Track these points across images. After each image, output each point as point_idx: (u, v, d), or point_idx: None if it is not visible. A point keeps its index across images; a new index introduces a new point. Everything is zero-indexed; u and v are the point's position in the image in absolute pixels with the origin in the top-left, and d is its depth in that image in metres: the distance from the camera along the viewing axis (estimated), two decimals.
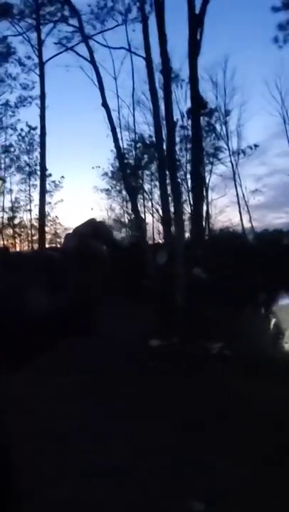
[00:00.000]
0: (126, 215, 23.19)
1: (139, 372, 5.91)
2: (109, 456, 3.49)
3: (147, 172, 21.11)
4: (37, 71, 17.25)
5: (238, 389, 5.06)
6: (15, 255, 0.91)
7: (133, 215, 13.94)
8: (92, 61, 10.80)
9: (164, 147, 9.16)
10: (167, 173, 8.84)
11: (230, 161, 21.85)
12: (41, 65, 16.88)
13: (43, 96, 17.00)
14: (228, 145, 21.82)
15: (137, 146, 19.30)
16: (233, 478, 3.04)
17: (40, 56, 16.96)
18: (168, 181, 9.39)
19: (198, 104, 8.64)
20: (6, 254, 0.89)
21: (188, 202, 17.09)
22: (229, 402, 4.68)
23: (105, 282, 1.01)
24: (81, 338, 1.21)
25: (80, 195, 45.83)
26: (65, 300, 0.85)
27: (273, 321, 8.22)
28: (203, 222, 14.50)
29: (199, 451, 3.54)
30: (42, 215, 18.60)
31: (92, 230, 0.97)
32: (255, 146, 21.55)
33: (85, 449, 3.60)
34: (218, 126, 21.58)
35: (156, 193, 20.97)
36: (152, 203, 21.84)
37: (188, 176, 18.50)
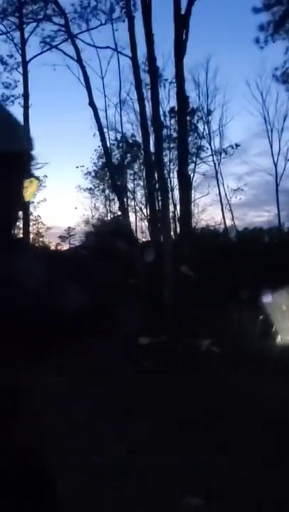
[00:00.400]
0: (110, 214, 23.21)
1: (134, 371, 5.95)
2: (107, 455, 3.54)
3: (130, 171, 21.16)
4: (20, 70, 17.12)
5: (231, 386, 5.16)
6: (51, 253, 0.93)
7: (120, 214, 13.97)
8: (79, 60, 10.81)
9: (151, 146, 9.26)
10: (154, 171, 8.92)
11: (213, 160, 22.08)
12: (24, 63, 16.73)
13: (26, 95, 16.84)
14: (210, 144, 22.03)
15: (121, 145, 19.31)
16: (230, 477, 3.10)
17: (23, 55, 16.79)
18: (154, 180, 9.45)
19: (184, 104, 8.73)
20: (45, 252, 0.91)
21: (171, 201, 17.19)
22: (224, 400, 4.77)
23: (125, 281, 1.02)
24: (102, 338, 1.21)
25: (64, 194, 45.64)
26: (88, 299, 0.85)
27: (260, 318, 8.33)
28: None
29: (195, 450, 3.61)
30: (25, 214, 18.47)
31: (113, 228, 0.99)
32: (237, 145, 21.84)
33: (82, 448, 3.65)
34: (200, 126, 21.77)
35: (140, 192, 21.05)
36: (135, 202, 21.89)
37: (172, 175, 18.63)
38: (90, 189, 24.00)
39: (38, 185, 0.98)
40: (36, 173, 0.99)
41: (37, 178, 0.96)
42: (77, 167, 22.01)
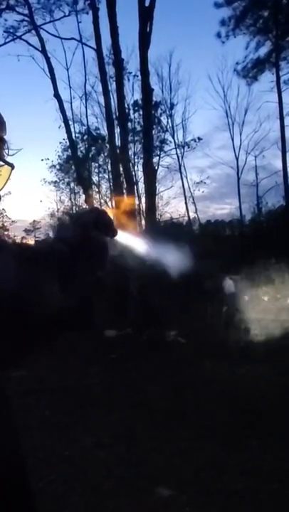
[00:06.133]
0: (74, 207, 22.92)
1: (101, 363, 5.96)
2: (75, 448, 3.55)
3: (95, 164, 20.95)
4: None
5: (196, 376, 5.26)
6: (28, 251, 0.86)
7: (86, 207, 13.82)
8: (44, 51, 10.59)
9: (116, 139, 9.22)
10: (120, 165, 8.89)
11: (176, 154, 22.14)
12: None
13: None
14: (173, 137, 22.07)
15: (85, 138, 19.07)
16: (199, 466, 3.18)
17: None
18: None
19: (149, 96, 8.73)
20: (22, 250, 0.84)
21: (136, 194, 17.13)
22: (189, 388, 4.86)
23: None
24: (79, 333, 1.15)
25: (29, 187, 44.47)
26: (68, 298, 0.79)
27: (224, 308, 8.49)
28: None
29: (164, 439, 3.68)
30: None
31: (95, 220, 0.89)
32: (199, 138, 21.89)
33: (49, 440, 3.64)
34: (163, 119, 21.77)
35: (104, 185, 20.90)
36: (100, 195, 21.73)
37: (136, 168, 18.59)
38: (55, 182, 23.60)
39: (10, 173, 0.86)
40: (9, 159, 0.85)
41: (10, 164, 0.86)
42: (42, 160, 21.59)
